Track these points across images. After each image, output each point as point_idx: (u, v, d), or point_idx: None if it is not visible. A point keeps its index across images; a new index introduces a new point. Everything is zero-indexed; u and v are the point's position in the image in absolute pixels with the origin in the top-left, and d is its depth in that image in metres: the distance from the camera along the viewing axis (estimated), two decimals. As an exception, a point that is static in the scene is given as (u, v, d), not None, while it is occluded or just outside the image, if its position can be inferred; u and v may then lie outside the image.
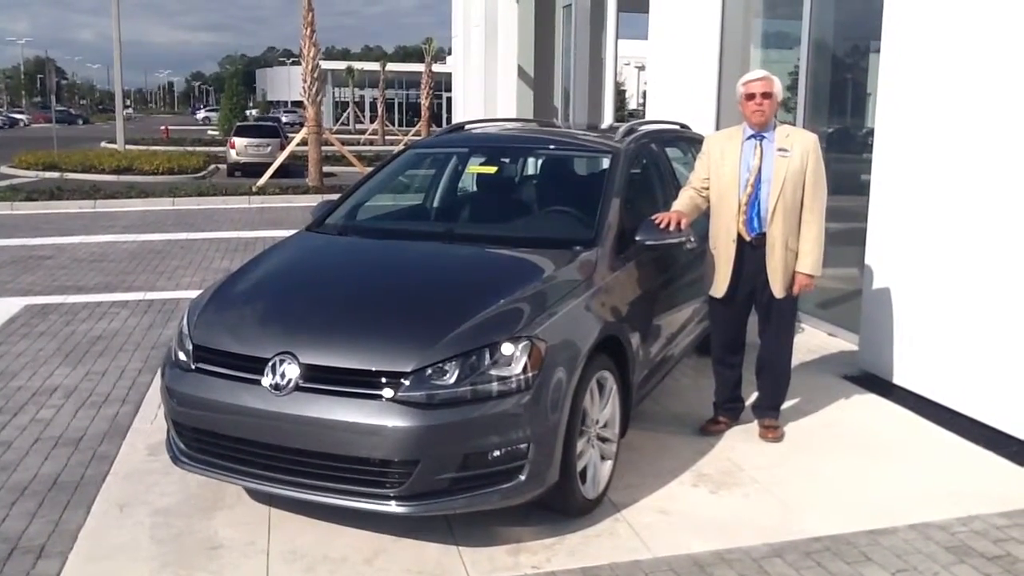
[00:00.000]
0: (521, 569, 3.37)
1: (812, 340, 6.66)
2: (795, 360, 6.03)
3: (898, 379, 5.51)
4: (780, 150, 4.40)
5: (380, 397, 3.28)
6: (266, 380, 3.39)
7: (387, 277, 4.14)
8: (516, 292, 3.72)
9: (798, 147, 4.39)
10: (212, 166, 25.68)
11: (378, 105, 46.96)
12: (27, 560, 3.42)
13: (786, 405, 4.90)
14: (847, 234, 6.32)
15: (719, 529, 3.69)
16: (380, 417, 3.24)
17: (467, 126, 5.69)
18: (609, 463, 3.95)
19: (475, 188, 5.44)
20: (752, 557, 3.46)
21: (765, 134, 4.45)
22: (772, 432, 4.68)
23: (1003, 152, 4.70)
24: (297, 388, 3.35)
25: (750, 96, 4.42)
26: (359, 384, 3.32)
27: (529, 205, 5.00)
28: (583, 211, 4.51)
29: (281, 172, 20.64)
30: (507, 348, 3.38)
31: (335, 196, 5.21)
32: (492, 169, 5.11)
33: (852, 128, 7.47)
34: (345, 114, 61.39)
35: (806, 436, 4.75)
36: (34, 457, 4.42)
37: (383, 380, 3.30)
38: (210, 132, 48.19)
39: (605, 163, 4.73)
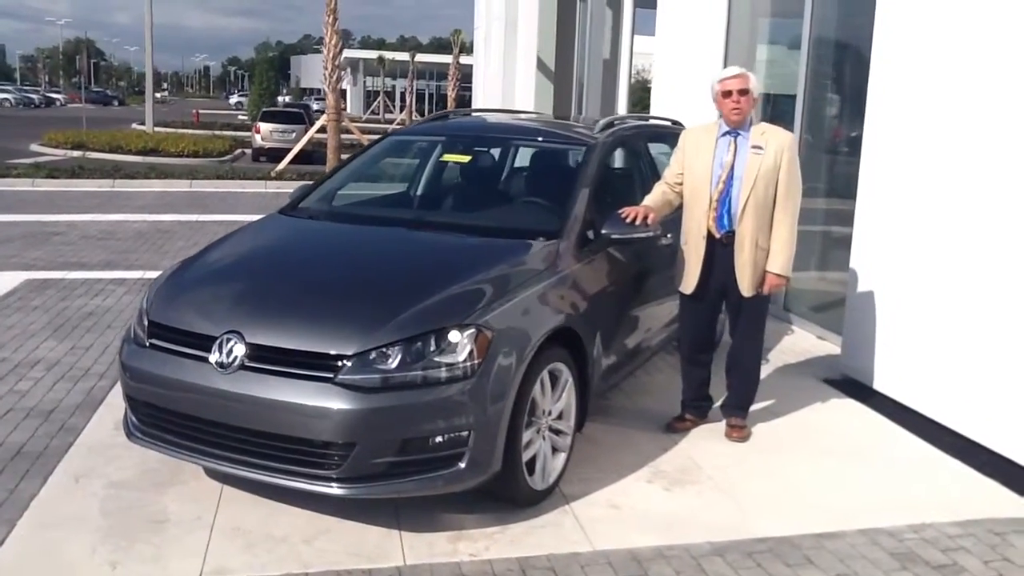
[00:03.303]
0: (458, 556, 3.37)
1: (801, 343, 6.59)
2: (778, 362, 6.01)
3: (878, 385, 5.44)
4: (754, 147, 4.34)
5: (322, 379, 3.29)
6: (212, 357, 3.42)
7: (346, 261, 4.16)
8: (470, 279, 3.71)
9: (773, 145, 4.34)
10: (238, 151, 25.93)
11: (407, 95, 47.17)
12: (-26, 526, 3.47)
13: (760, 406, 4.86)
14: (844, 237, 6.23)
15: (666, 526, 3.67)
16: (321, 399, 3.25)
17: (451, 115, 5.67)
18: (562, 455, 3.94)
19: (448, 177, 5.43)
20: (692, 555, 3.43)
21: (741, 131, 4.39)
22: (738, 432, 4.63)
23: (990, 160, 4.61)
24: (242, 367, 3.37)
25: (726, 94, 4.34)
26: (302, 365, 3.33)
27: (500, 195, 4.99)
28: (553, 202, 4.49)
29: (304, 158, 20.78)
30: (453, 335, 3.37)
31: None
32: (465, 158, 5.09)
33: (851, 129, 7.36)
34: (376, 103, 61.63)
35: (773, 438, 4.69)
36: (2, 427, 4.49)
37: (326, 362, 3.31)
38: (240, 117, 48.56)
39: (579, 155, 4.70)
